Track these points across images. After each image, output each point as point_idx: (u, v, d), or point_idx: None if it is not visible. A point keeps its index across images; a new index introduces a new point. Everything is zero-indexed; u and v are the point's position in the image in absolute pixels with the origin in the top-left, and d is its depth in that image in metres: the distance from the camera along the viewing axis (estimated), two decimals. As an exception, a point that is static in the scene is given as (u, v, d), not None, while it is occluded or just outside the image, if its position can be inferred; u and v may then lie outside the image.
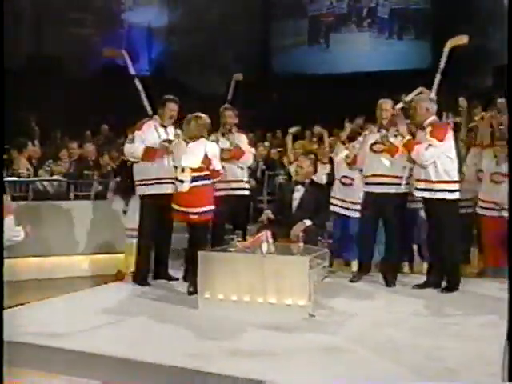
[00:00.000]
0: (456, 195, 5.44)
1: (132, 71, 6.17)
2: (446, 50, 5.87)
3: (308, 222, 5.72)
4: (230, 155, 6.03)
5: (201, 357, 3.70)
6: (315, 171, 6.44)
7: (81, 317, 4.66)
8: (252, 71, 15.51)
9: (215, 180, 5.56)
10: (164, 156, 5.70)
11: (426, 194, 5.44)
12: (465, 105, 7.01)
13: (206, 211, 5.36)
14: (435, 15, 15.28)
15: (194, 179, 5.28)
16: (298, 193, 6.01)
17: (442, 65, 5.86)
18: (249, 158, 6.26)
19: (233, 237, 4.92)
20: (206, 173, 5.35)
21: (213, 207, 5.41)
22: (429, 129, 5.39)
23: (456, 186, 5.44)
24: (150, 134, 5.77)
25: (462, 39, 5.96)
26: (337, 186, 6.52)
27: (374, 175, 5.74)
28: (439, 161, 5.34)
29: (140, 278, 5.79)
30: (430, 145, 5.29)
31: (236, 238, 4.90)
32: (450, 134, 5.46)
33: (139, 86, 6.04)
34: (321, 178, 6.65)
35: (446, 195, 5.37)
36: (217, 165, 5.43)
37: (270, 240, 4.76)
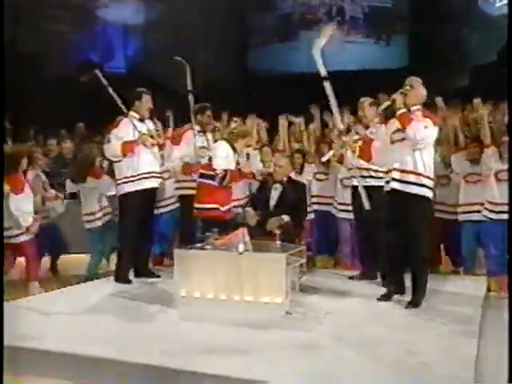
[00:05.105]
0: (428, 193, 4.83)
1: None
2: None
3: (286, 218, 5.70)
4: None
5: (177, 355, 3.67)
6: (301, 170, 6.52)
7: (57, 316, 4.62)
8: (229, 70, 15.49)
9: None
10: (145, 148, 5.67)
11: (398, 186, 4.80)
12: (442, 104, 7.05)
13: None
14: (409, 15, 15.34)
15: None
16: (276, 191, 5.99)
17: None
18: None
19: (209, 234, 4.89)
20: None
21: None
22: (419, 112, 4.76)
23: (430, 183, 4.84)
24: (127, 129, 5.71)
25: None
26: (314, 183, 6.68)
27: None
28: (420, 151, 4.75)
29: (122, 277, 5.74)
30: (426, 126, 4.68)
31: (212, 236, 4.87)
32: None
33: (105, 82, 5.93)
34: (306, 177, 6.67)
35: (419, 190, 4.76)
36: None
37: (247, 238, 4.75)
